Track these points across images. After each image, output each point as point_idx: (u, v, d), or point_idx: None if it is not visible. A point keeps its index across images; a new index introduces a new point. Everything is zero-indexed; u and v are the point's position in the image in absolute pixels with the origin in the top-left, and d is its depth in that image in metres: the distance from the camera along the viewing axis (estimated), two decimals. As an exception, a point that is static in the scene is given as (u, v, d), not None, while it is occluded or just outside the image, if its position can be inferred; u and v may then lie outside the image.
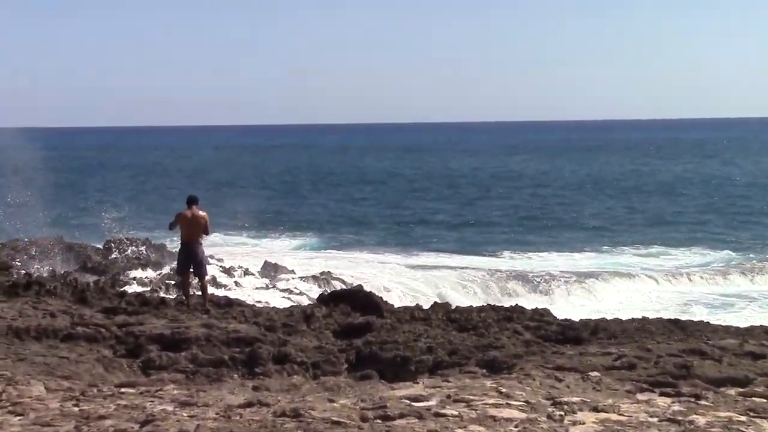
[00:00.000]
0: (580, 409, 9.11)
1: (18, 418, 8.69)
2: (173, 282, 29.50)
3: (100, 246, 39.25)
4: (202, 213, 18.92)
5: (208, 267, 22.47)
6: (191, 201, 18.99)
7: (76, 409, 9.05)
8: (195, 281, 19.76)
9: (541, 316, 18.79)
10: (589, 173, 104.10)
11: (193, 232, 18.90)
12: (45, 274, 25.62)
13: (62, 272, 27.58)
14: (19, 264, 30.09)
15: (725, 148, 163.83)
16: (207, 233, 19.18)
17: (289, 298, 30.23)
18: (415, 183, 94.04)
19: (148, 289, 28.02)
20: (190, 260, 19.07)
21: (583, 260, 45.25)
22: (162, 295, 23.21)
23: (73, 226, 54.43)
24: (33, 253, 34.46)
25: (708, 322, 18.57)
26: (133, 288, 27.15)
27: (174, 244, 42.11)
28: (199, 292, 19.32)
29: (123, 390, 10.30)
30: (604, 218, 62.27)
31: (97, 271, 32.32)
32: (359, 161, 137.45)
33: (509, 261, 44.87)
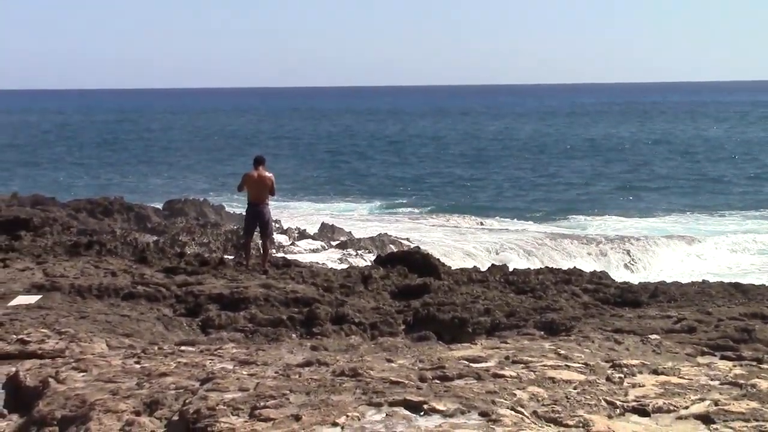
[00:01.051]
0: (640, 372, 9.02)
1: (81, 374, 8.81)
2: (232, 243, 29.71)
3: (160, 207, 39.66)
4: (268, 174, 18.97)
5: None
6: (258, 161, 19.04)
7: (138, 366, 9.15)
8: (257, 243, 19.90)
9: (600, 278, 18.68)
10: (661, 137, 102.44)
11: (260, 192, 18.95)
12: (106, 234, 25.91)
13: (123, 232, 27.88)
14: (80, 224, 30.44)
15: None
16: (273, 194, 19.26)
17: (346, 260, 30.31)
18: (473, 147, 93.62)
19: (208, 249, 28.24)
20: (257, 221, 19.14)
21: (645, 224, 44.87)
22: (221, 255, 23.36)
23: (127, 188, 55.24)
24: (94, 213, 34.87)
25: (769, 287, 18.32)
26: (192, 248, 27.35)
27: (234, 206, 42.57)
28: (260, 254, 19.44)
29: (183, 348, 10.40)
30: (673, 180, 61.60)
31: (157, 232, 32.62)
32: (403, 125, 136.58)
33: (569, 224, 44.56)
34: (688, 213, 48.72)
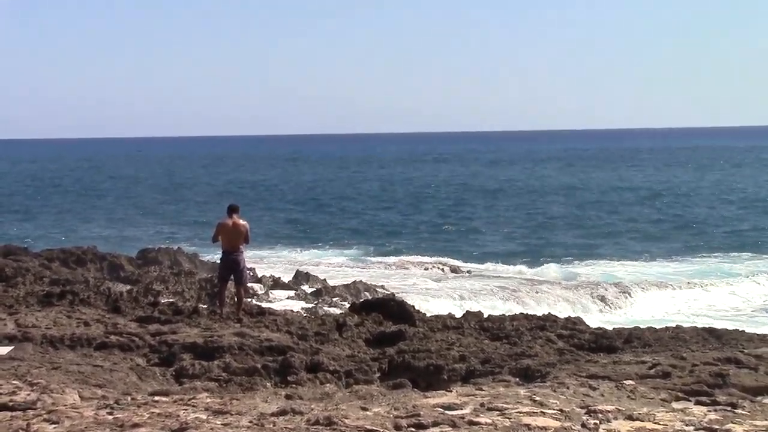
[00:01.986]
0: (615, 418, 9.05)
1: (53, 426, 8.73)
2: (206, 291, 29.59)
3: (133, 256, 39.48)
4: (242, 222, 19.01)
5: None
6: (232, 210, 19.08)
7: (111, 417, 9.08)
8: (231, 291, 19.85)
9: (574, 324, 18.74)
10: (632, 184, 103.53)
11: (234, 240, 18.98)
12: (79, 284, 25.74)
13: (96, 281, 27.71)
14: (53, 274, 30.24)
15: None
16: (248, 242, 19.27)
17: (320, 307, 30.24)
18: (446, 192, 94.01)
19: (182, 298, 28.10)
20: (232, 269, 19.15)
21: (619, 268, 45.06)
22: (195, 304, 23.25)
23: (105, 238, 55.07)
24: (67, 262, 34.67)
25: (743, 331, 18.43)
26: (166, 297, 27.21)
27: (208, 254, 42.46)
28: (234, 302, 19.38)
29: (156, 398, 10.33)
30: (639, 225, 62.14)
31: (130, 281, 32.45)
32: (374, 172, 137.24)
33: (544, 269, 44.64)
34: (660, 258, 48.97)
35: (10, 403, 9.85)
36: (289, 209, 78.20)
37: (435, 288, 37.24)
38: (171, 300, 23.24)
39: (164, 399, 10.25)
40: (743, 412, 9.73)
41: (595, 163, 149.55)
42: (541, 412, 9.21)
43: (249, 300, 23.66)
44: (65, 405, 9.77)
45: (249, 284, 26.63)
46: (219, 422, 8.71)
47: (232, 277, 19.26)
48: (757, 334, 18.06)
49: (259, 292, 33.15)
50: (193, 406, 9.65)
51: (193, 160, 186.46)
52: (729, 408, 9.96)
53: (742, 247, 52.34)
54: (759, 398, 11.11)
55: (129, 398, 10.35)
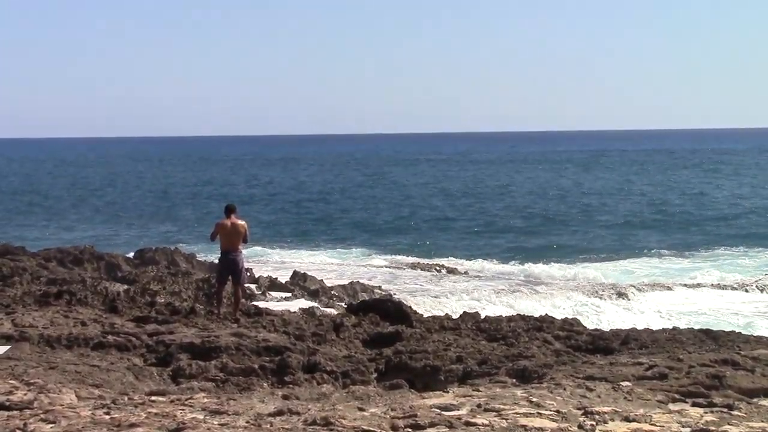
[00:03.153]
0: (612, 419, 9.06)
1: (50, 426, 8.73)
2: (203, 291, 29.56)
3: (130, 256, 39.47)
4: (241, 222, 19.02)
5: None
6: (230, 210, 19.08)
7: (107, 417, 9.08)
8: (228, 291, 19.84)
9: (571, 325, 18.75)
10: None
11: (233, 240, 18.99)
12: (76, 284, 25.72)
13: (93, 281, 27.69)
14: (50, 273, 30.22)
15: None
16: (246, 241, 19.30)
17: (318, 308, 30.23)
18: (443, 191, 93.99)
19: (179, 298, 28.07)
20: (230, 269, 19.15)
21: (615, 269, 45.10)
22: (192, 304, 23.23)
23: (100, 237, 55.08)
24: (64, 262, 34.64)
25: (740, 333, 18.45)
26: (163, 297, 27.20)
27: (206, 254, 42.45)
28: (231, 302, 19.38)
29: (153, 398, 10.34)
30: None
31: (128, 281, 32.40)
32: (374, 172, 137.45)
33: (541, 270, 44.66)
34: (659, 257, 49.13)
35: (7, 403, 9.85)
36: (285, 209, 78.19)
37: (432, 288, 37.24)
38: (168, 300, 23.21)
39: (161, 399, 10.25)
40: (740, 413, 9.75)
41: (585, 166, 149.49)
42: (538, 413, 9.22)
43: (246, 300, 23.63)
44: (62, 405, 9.77)
45: (246, 285, 26.61)
46: (216, 422, 8.72)
47: (230, 277, 19.27)
48: (754, 336, 18.09)
49: (257, 292, 33.12)
50: (190, 406, 9.66)
51: (184, 161, 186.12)
52: (725, 410, 9.98)
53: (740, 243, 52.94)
54: (755, 400, 11.12)
55: (126, 398, 10.35)
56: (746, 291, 38.49)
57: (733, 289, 38.73)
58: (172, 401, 10.00)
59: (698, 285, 39.69)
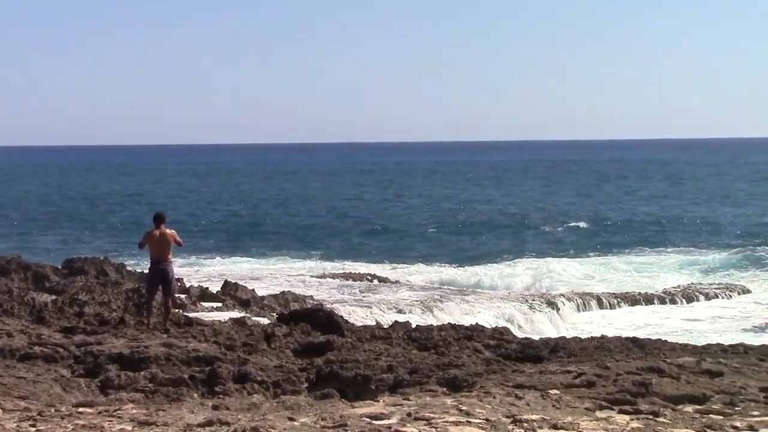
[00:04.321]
0: (540, 427, 9.16)
1: (-26, 438, 8.60)
2: (133, 301, 29.27)
3: (59, 266, 38.91)
4: (170, 231, 18.87)
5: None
6: (159, 219, 18.90)
7: (33, 429, 8.98)
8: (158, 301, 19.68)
9: (501, 334, 18.92)
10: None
11: (162, 250, 18.82)
12: (2, 294, 25.34)
13: (19, 292, 27.28)
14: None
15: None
16: (180, 244, 19.17)
17: (249, 318, 30.09)
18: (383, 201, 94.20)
19: (108, 308, 27.75)
20: (159, 280, 18.98)
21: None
22: (121, 314, 23.02)
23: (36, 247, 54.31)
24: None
25: (665, 341, 18.76)
26: (91, 308, 26.89)
27: (135, 264, 42.03)
28: (161, 313, 19.22)
29: (81, 410, 10.23)
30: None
31: (56, 291, 31.96)
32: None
33: (472, 276, 44.98)
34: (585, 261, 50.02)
35: (-70, 416, 9.69)
36: (220, 219, 77.81)
37: (363, 298, 37.25)
38: (97, 310, 22.96)
39: (89, 410, 10.15)
40: (665, 420, 9.92)
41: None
42: (468, 421, 9.29)
43: (176, 310, 23.46)
44: (-13, 417, 9.63)
45: (177, 294, 26.41)
46: (144, 433, 8.66)
47: (160, 287, 19.11)
48: (679, 344, 18.41)
49: (187, 302, 32.86)
50: (119, 417, 9.58)
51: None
52: (651, 416, 10.14)
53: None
54: (680, 407, 11.31)
55: (53, 410, 10.23)
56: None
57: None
58: (100, 412, 9.91)
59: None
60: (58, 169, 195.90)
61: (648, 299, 39.01)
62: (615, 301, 38.53)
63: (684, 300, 39.01)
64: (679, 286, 41.76)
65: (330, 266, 48.73)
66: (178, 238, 19.00)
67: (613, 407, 10.95)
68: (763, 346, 18.01)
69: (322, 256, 53.77)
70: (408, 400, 11.02)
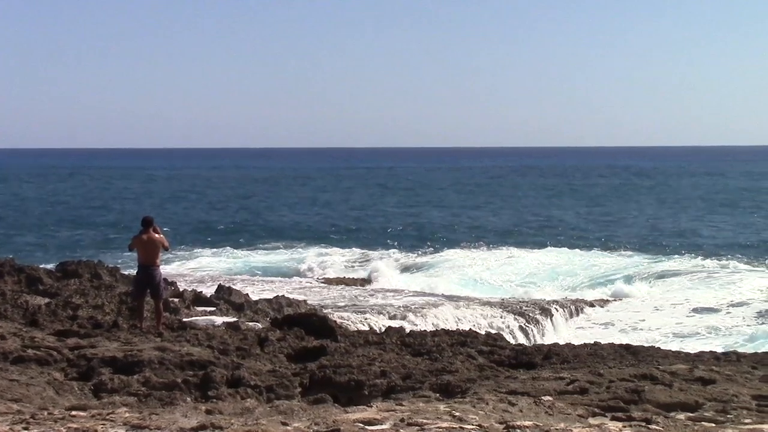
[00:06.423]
0: (533, 433, 9.17)
1: (-34, 441, 8.60)
2: (127, 305, 29.24)
3: (53, 269, 38.83)
4: (157, 235, 18.87)
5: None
6: (147, 223, 18.91)
7: (26, 432, 8.97)
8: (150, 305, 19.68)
9: (494, 341, 18.94)
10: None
11: (150, 254, 18.83)
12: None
13: (13, 294, 27.21)
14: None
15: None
16: (167, 248, 19.18)
17: (242, 322, 30.06)
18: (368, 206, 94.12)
19: (101, 311, 27.70)
20: (147, 284, 18.98)
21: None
22: (115, 318, 23.00)
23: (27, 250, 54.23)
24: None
25: (658, 348, 18.82)
26: (85, 311, 26.84)
27: (130, 268, 41.98)
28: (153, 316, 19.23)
29: (74, 413, 10.22)
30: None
31: (49, 294, 31.89)
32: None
33: (465, 284, 44.98)
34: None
35: (-77, 418, 9.68)
36: (212, 220, 77.78)
37: (357, 303, 37.23)
38: (91, 314, 22.93)
39: (82, 414, 10.14)
40: (657, 427, 9.94)
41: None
42: (461, 427, 9.30)
43: (169, 314, 23.45)
44: (-21, 420, 9.62)
45: (170, 298, 26.42)
46: (137, 437, 8.66)
47: (148, 291, 19.12)
48: (672, 351, 18.45)
49: (180, 306, 32.81)
50: (112, 420, 9.57)
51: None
52: (643, 424, 10.16)
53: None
54: (672, 414, 11.34)
55: (45, 413, 10.22)
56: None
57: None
58: (92, 416, 9.90)
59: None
60: (54, 171, 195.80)
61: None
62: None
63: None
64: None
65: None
66: (165, 243, 19.03)
67: (606, 414, 10.98)
68: (755, 354, 18.08)
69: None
70: (401, 405, 11.03)
